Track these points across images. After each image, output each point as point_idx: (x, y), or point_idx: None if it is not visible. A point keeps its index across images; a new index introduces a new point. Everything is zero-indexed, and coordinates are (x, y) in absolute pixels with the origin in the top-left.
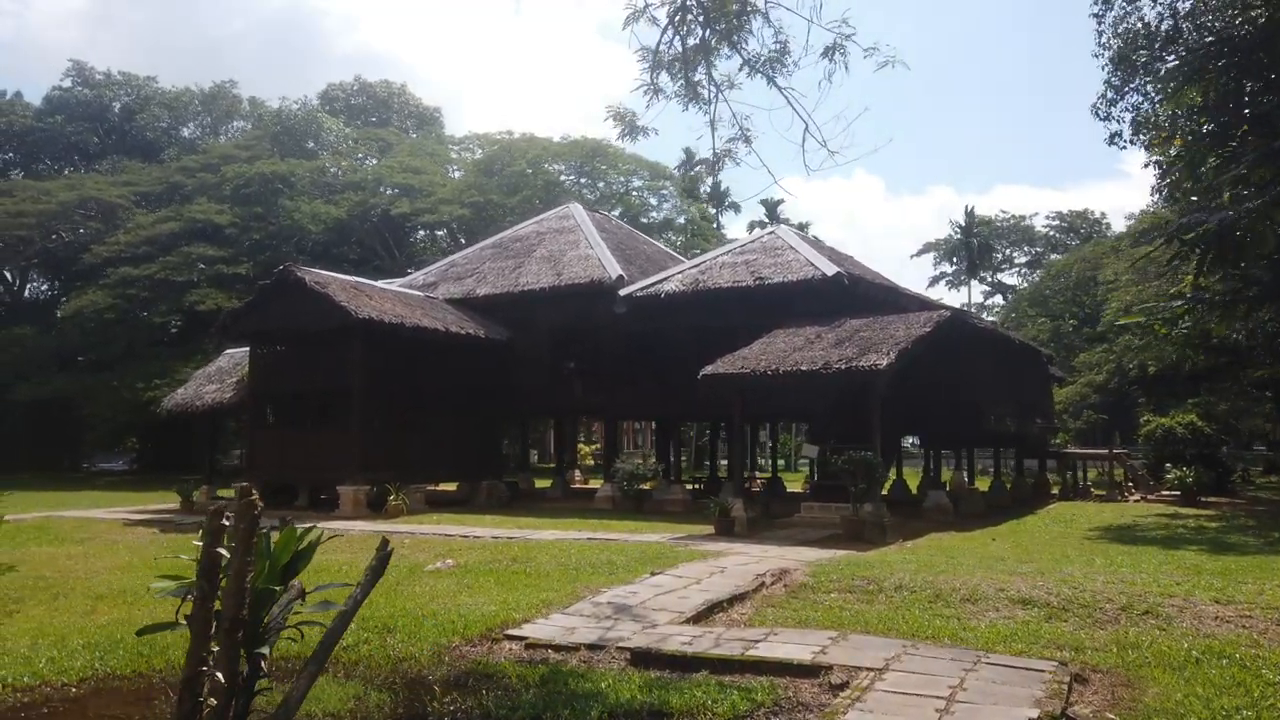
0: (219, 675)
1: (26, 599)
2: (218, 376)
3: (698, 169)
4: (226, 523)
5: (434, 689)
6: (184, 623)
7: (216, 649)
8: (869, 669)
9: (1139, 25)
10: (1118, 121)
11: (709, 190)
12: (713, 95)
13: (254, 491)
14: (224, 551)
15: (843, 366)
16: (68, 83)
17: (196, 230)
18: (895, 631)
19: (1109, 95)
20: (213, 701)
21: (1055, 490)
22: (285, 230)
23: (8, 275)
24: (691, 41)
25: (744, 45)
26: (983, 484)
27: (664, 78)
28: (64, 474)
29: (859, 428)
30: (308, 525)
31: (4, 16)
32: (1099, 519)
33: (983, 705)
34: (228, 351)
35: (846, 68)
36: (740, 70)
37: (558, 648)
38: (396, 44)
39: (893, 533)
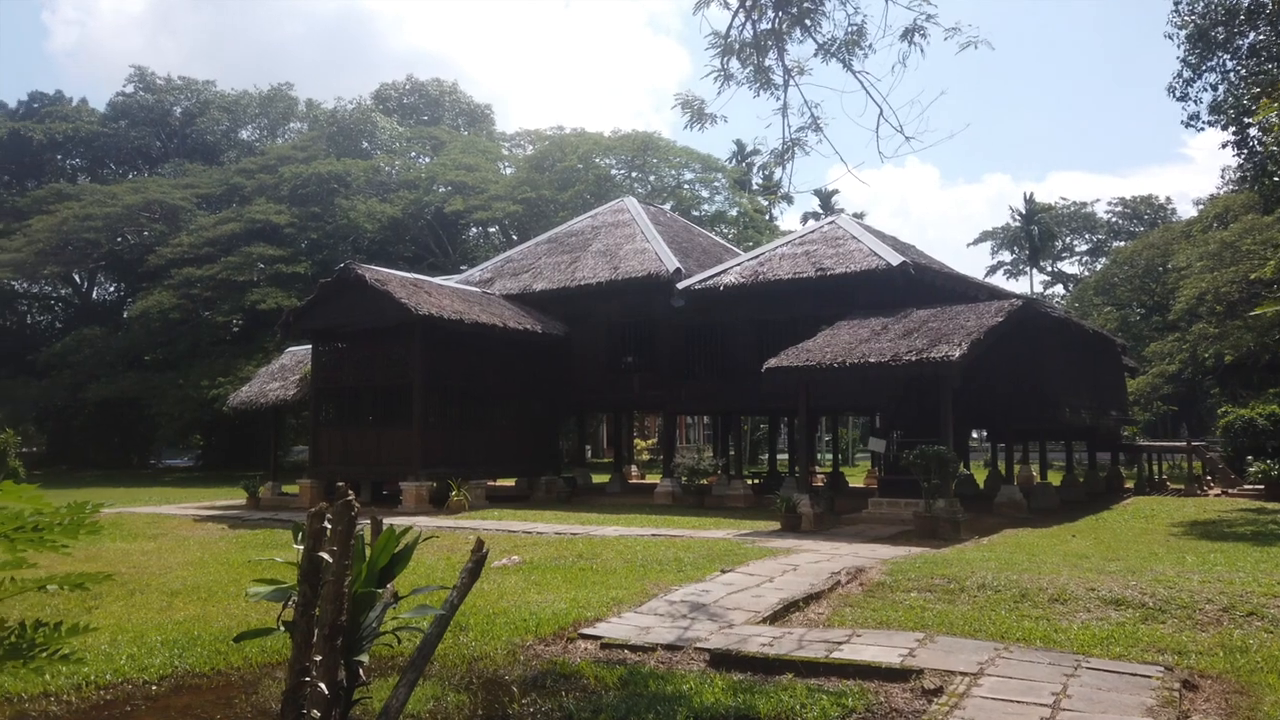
0: (321, 685)
1: (105, 595)
2: (280, 374)
3: (766, 161)
4: (327, 525)
5: (512, 690)
6: (282, 629)
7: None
8: (963, 673)
9: (1217, 1)
10: (1195, 102)
11: (760, 182)
12: (784, 81)
13: (351, 491)
14: (325, 555)
15: (913, 358)
16: (130, 88)
17: (256, 230)
18: (983, 633)
19: (1185, 74)
20: (315, 714)
21: (1129, 485)
22: (341, 229)
23: (76, 278)
24: (763, 25)
25: (817, 29)
26: (1053, 478)
27: (734, 64)
28: (133, 471)
29: (926, 421)
30: (405, 526)
31: (68, 25)
32: (1181, 514)
33: (1091, 714)
34: (290, 349)
35: (923, 51)
36: (814, 55)
37: (634, 648)
38: (446, 42)
39: (966, 529)
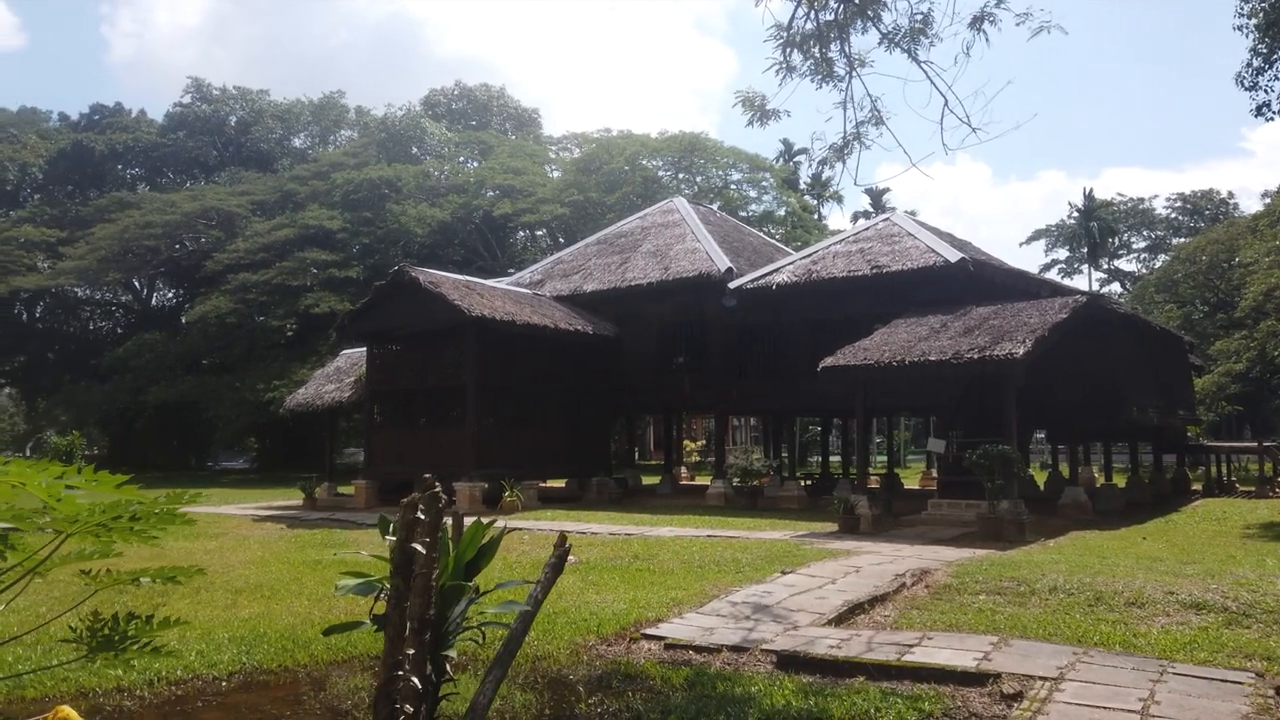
0: (414, 679)
1: (170, 593)
2: (336, 376)
3: (826, 155)
4: (420, 515)
5: (578, 689)
6: (372, 623)
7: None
8: (1042, 678)
9: None
10: (1265, 91)
11: (809, 181)
12: (848, 72)
13: (436, 484)
14: (418, 547)
15: (975, 356)
16: (187, 99)
17: (309, 236)
18: (1059, 637)
19: (1255, 64)
20: (408, 709)
21: (1197, 487)
22: (392, 233)
23: (137, 284)
24: (825, 17)
25: (879, 19)
26: (1115, 480)
27: (795, 56)
28: (191, 472)
29: (987, 421)
30: (490, 520)
31: (126, 38)
32: (1254, 516)
33: None
34: (345, 352)
35: (988, 39)
36: (878, 45)
37: (699, 649)
38: (494, 48)
39: (1031, 531)
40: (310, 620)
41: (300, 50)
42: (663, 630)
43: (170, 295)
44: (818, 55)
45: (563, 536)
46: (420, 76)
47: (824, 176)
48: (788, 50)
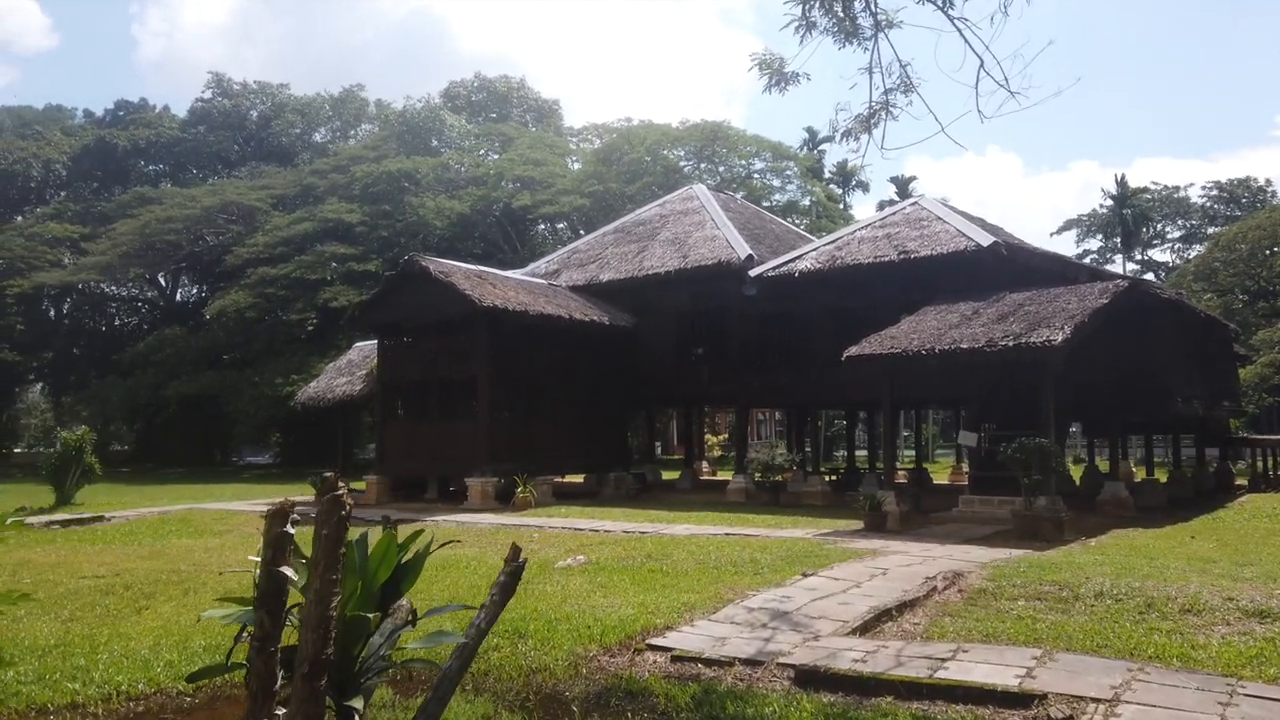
0: None
1: (158, 594)
2: (348, 369)
3: (850, 126)
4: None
5: (572, 709)
6: (230, 669)
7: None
8: (1095, 699)
9: None
10: None
11: (835, 169)
12: (874, 30)
13: (340, 484)
14: (289, 571)
15: (1010, 344)
16: (209, 94)
17: (329, 230)
18: (1109, 649)
19: None
20: None
21: (1241, 482)
22: (411, 226)
23: (161, 281)
24: None
25: None
26: (1154, 474)
27: (816, 12)
28: (215, 468)
29: (1021, 412)
30: (417, 528)
31: (155, 37)
32: None
33: None
34: (357, 344)
35: None
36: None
37: (709, 661)
38: (516, 41)
39: (1070, 529)
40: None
41: (325, 48)
42: (671, 640)
43: (194, 290)
44: (840, 11)
45: (515, 549)
46: (444, 72)
47: (848, 149)
48: (807, 4)
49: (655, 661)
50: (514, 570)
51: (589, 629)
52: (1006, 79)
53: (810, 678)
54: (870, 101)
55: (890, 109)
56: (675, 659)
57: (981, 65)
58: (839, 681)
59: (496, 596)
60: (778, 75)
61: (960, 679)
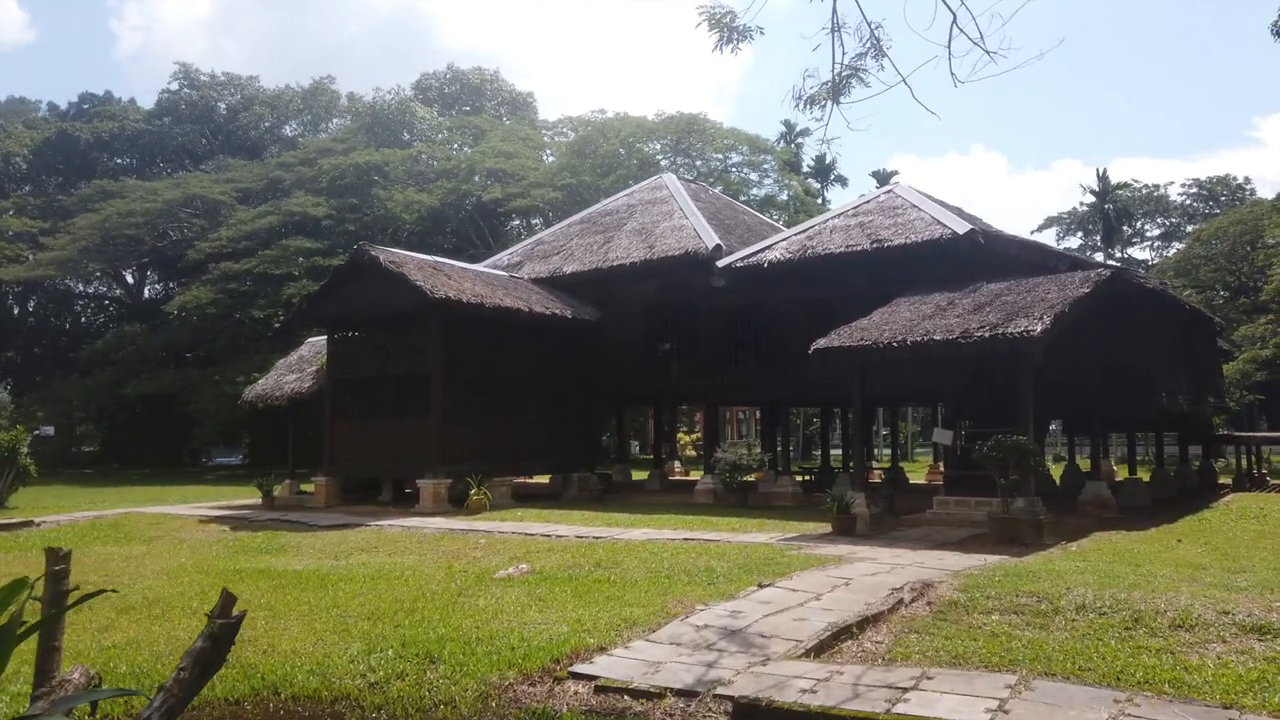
0: None
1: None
2: (298, 365)
3: (816, 92)
4: None
5: None
6: None
7: None
8: None
9: None
10: None
11: (813, 163)
12: None
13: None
14: None
15: (985, 335)
16: (175, 85)
17: (294, 223)
18: (1093, 674)
19: None
20: None
21: (1225, 480)
22: (380, 220)
23: (129, 278)
24: None
25: None
26: (1136, 473)
27: None
28: (181, 469)
29: (999, 408)
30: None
31: (133, 31)
32: None
33: None
34: (309, 340)
35: None
36: None
37: (636, 693)
38: (500, 36)
39: (1049, 532)
40: (178, 650)
41: (310, 44)
42: (598, 665)
43: (158, 287)
44: None
45: (228, 598)
46: (430, 68)
47: (812, 117)
48: None
49: (576, 692)
50: (221, 630)
51: (512, 651)
52: (982, 36)
53: (749, 713)
54: (834, 63)
55: (860, 74)
56: (599, 689)
57: (955, 20)
58: (782, 717)
59: (191, 667)
60: (727, 31)
61: (922, 714)
